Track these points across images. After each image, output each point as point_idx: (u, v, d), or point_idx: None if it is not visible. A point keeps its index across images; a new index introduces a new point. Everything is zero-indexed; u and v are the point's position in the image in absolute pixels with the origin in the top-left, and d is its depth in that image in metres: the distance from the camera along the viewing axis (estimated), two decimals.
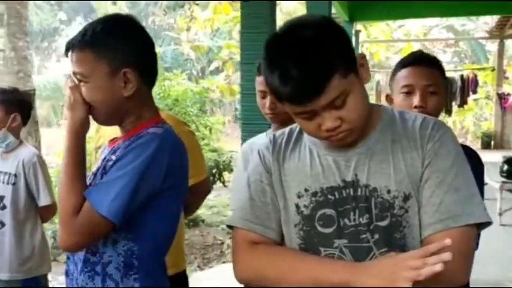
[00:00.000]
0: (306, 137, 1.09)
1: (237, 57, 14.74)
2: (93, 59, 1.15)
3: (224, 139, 9.61)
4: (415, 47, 16.56)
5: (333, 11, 5.69)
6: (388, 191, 0.98)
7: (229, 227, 1.12)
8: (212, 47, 15.98)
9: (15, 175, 2.20)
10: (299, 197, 1.04)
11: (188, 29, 12.93)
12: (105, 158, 1.23)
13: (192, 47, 13.03)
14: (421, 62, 1.48)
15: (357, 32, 8.55)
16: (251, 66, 4.23)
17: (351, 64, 0.95)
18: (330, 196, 1.02)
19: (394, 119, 1.05)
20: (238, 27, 13.60)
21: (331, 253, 1.01)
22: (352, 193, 1.01)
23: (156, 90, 6.99)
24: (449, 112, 10.34)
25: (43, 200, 2.23)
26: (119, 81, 1.16)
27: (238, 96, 12.65)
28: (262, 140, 1.88)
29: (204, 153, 6.49)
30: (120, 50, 1.17)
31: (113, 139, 1.28)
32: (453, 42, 18.77)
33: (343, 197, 1.01)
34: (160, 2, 10.95)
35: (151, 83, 1.26)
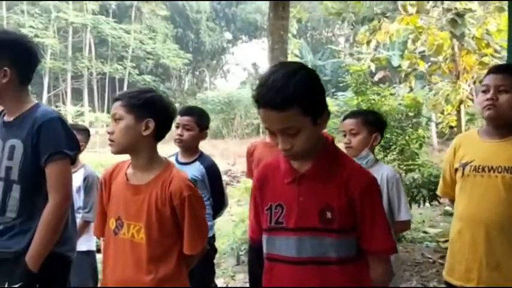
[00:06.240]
0: None
1: (420, 68, 14.21)
2: None
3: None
4: None
5: None
6: None
7: None
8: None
9: None
10: None
11: (368, 42, 12.84)
12: None
13: (373, 59, 12.89)
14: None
15: None
16: None
17: None
18: None
19: None
20: (417, 37, 13.12)
21: None
22: None
23: (365, 105, 7.06)
24: None
25: (403, 216, 2.38)
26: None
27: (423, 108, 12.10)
28: None
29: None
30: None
31: None
32: None
33: None
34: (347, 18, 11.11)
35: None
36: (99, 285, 2.84)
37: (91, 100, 34.31)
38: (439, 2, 11.60)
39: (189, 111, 2.74)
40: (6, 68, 1.88)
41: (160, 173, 1.75)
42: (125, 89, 35.08)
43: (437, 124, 14.31)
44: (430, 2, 11.79)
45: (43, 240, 1.84)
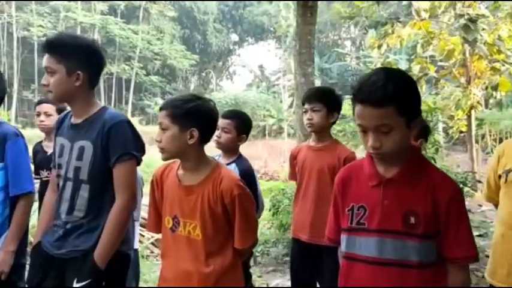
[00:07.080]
0: None
1: (431, 73, 14.31)
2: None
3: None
4: None
5: None
6: None
7: None
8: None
9: None
10: None
11: (379, 47, 12.91)
12: None
13: (384, 64, 12.96)
14: None
15: None
16: None
17: None
18: None
19: None
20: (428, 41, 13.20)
21: None
22: None
23: None
24: None
25: None
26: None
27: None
28: None
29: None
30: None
31: None
32: None
33: None
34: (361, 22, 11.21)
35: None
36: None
37: (98, 100, 34.45)
38: (450, 7, 11.66)
39: (229, 114, 2.81)
40: (79, 72, 1.98)
41: (210, 174, 1.86)
42: (131, 89, 35.34)
43: (447, 129, 14.38)
44: (442, 7, 11.85)
45: (111, 238, 1.91)
